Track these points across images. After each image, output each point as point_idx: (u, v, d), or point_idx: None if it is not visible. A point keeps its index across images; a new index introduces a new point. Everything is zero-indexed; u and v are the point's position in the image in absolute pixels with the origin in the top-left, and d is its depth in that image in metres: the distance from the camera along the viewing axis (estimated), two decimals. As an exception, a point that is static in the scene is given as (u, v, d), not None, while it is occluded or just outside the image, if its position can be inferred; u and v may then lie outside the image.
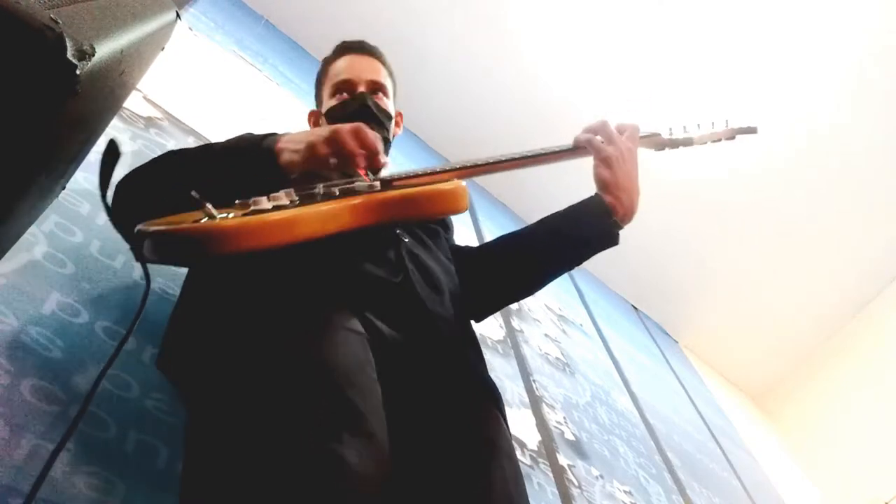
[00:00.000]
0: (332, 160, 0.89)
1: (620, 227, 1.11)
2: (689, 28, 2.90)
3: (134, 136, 1.38)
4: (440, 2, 2.76)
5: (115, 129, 1.33)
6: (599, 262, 3.39)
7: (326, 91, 1.32)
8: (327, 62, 1.36)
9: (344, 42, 1.35)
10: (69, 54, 0.55)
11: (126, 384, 0.92)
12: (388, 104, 1.30)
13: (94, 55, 0.58)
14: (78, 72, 0.56)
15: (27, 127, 0.59)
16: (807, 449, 3.62)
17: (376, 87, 1.29)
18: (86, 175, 1.15)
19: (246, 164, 0.91)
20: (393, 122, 1.31)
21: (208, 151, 0.99)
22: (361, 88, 1.27)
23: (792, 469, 3.47)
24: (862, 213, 3.38)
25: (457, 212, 0.98)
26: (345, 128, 0.91)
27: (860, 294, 3.74)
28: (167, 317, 1.00)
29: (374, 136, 0.92)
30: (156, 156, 0.96)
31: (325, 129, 0.92)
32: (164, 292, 1.11)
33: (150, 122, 1.49)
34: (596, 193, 1.12)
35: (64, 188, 1.04)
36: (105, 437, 0.84)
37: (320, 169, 0.90)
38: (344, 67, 1.31)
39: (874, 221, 3.42)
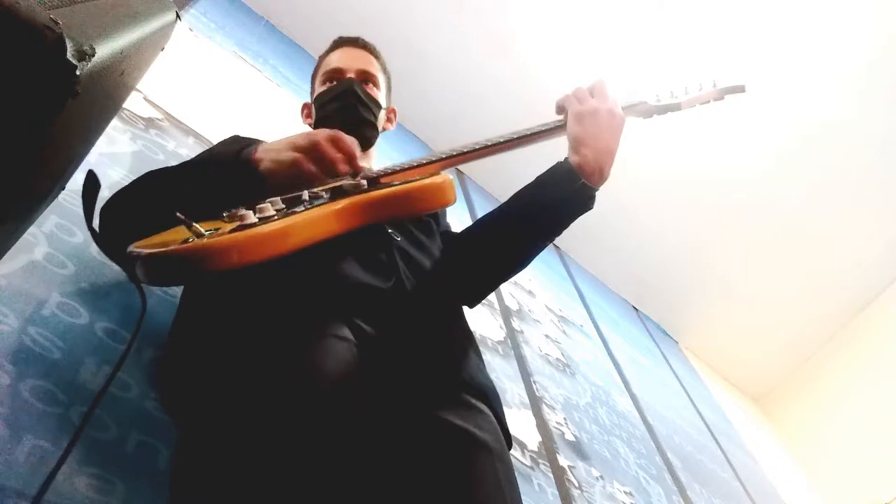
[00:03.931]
0: (312, 167, 0.88)
1: (593, 189, 1.07)
2: (689, 28, 2.90)
3: (134, 137, 1.38)
4: (440, 2, 2.76)
5: (115, 130, 1.33)
6: (599, 263, 3.42)
7: (318, 80, 1.35)
8: (322, 57, 1.39)
9: (340, 37, 1.38)
10: (69, 55, 0.55)
11: (126, 385, 0.92)
12: (379, 94, 1.31)
13: (94, 55, 0.58)
14: (78, 72, 0.56)
15: (26, 128, 0.59)
16: (807, 450, 3.61)
17: (366, 77, 1.31)
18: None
19: (226, 176, 0.90)
20: (383, 112, 1.32)
21: (186, 168, 0.98)
22: (351, 75, 1.29)
23: (792, 470, 3.47)
24: (862, 212, 3.38)
25: (445, 205, 0.97)
26: (321, 135, 0.90)
27: (860, 294, 3.73)
28: (168, 318, 1.00)
29: (351, 141, 0.92)
30: (135, 178, 0.97)
31: (302, 139, 0.90)
32: (165, 294, 1.11)
33: (150, 122, 1.48)
34: (565, 158, 1.09)
35: (63, 189, 1.04)
36: (105, 437, 0.84)
37: (301, 179, 0.89)
38: (336, 58, 1.33)
39: (874, 221, 3.42)
